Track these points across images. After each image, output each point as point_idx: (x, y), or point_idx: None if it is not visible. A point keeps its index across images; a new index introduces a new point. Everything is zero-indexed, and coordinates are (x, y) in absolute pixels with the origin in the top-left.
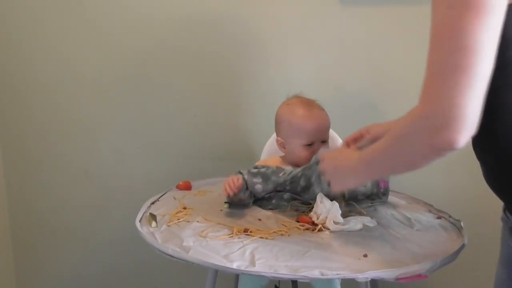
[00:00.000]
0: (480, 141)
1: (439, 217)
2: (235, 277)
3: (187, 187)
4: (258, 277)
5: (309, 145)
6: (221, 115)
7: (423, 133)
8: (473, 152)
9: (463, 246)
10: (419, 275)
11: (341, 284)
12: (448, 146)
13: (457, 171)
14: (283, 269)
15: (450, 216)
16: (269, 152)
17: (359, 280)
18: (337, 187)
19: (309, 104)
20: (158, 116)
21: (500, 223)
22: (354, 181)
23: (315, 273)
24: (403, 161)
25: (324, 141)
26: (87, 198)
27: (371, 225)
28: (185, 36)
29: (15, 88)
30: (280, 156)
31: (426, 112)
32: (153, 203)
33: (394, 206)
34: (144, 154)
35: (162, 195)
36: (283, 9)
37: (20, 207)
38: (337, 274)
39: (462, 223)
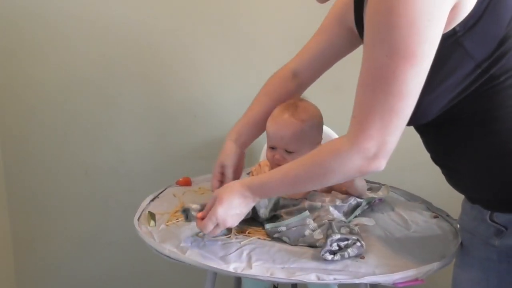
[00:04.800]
0: (463, 151)
1: (436, 216)
2: (235, 277)
3: (187, 183)
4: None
5: (272, 148)
6: (221, 115)
7: (356, 161)
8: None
9: (459, 247)
10: (416, 279)
11: (341, 285)
12: (375, 170)
13: None
14: (280, 272)
15: (447, 215)
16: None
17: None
18: (234, 221)
19: (286, 108)
20: (158, 116)
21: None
22: (248, 207)
23: (312, 277)
24: (323, 183)
25: (290, 152)
26: (87, 198)
27: (370, 224)
28: (185, 36)
29: (15, 88)
30: None
31: (363, 141)
32: (152, 200)
33: (391, 205)
34: (144, 154)
35: (161, 192)
36: (282, 9)
37: (20, 207)
38: (334, 279)
39: (458, 224)
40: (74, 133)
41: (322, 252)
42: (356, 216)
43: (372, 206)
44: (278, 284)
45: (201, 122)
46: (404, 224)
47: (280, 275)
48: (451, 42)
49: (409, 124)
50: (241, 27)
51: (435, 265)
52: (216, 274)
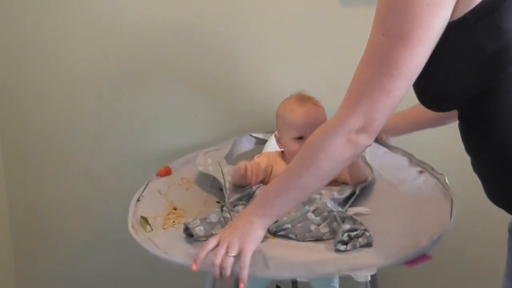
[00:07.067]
0: (479, 152)
1: (421, 172)
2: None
3: (168, 172)
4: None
5: (299, 138)
6: (221, 115)
7: (341, 137)
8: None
9: (452, 208)
10: (425, 256)
11: (340, 284)
12: (362, 145)
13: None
14: (300, 267)
15: (432, 169)
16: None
17: (359, 280)
18: (251, 246)
19: (303, 99)
20: (158, 116)
21: (506, 233)
22: (262, 228)
23: (331, 269)
24: (317, 171)
25: None
26: (87, 198)
27: (366, 213)
28: (185, 36)
29: (15, 89)
30: (281, 151)
31: (349, 117)
32: (138, 200)
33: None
34: (144, 154)
35: (144, 188)
36: (283, 9)
37: (20, 207)
38: (351, 270)
39: (446, 179)
40: (74, 133)
41: (335, 244)
42: (351, 206)
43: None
44: (280, 282)
45: (201, 122)
46: (396, 197)
47: (300, 272)
48: (463, 28)
49: (434, 109)
50: (243, 26)
51: (436, 237)
52: None
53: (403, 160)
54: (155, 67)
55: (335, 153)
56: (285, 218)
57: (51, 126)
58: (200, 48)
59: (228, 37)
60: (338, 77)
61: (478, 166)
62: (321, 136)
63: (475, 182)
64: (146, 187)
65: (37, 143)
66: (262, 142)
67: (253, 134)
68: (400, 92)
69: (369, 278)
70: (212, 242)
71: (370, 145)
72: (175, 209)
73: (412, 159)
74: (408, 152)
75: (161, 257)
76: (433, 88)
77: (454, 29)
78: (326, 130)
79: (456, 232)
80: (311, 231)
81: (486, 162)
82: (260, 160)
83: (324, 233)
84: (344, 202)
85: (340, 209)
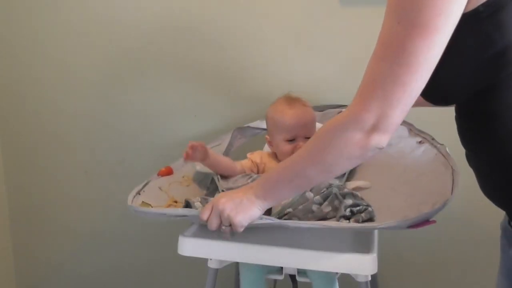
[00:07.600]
0: (477, 149)
1: (421, 142)
2: (235, 276)
3: (169, 172)
4: (262, 267)
5: (291, 140)
6: (221, 115)
7: (352, 134)
8: None
9: (454, 177)
10: (428, 221)
11: (341, 284)
12: (374, 146)
13: None
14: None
15: (433, 139)
16: None
17: (359, 280)
18: (243, 220)
19: (292, 100)
20: (158, 116)
21: (499, 230)
22: (260, 208)
23: (332, 224)
24: (323, 164)
25: (308, 138)
26: (87, 198)
27: (366, 186)
28: (185, 37)
29: (15, 88)
30: (272, 152)
31: (361, 111)
32: (138, 193)
33: None
34: (143, 154)
35: (145, 185)
36: (283, 8)
37: (20, 206)
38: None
39: (447, 148)
40: (74, 133)
41: (338, 219)
42: (350, 180)
43: None
44: (276, 282)
45: (201, 122)
46: (396, 169)
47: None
48: (474, 21)
49: (432, 102)
50: (242, 26)
51: (440, 205)
52: (216, 274)
53: (403, 130)
54: (154, 67)
55: (343, 149)
56: (285, 202)
57: (51, 126)
58: (200, 49)
59: (228, 36)
60: (338, 76)
61: (474, 159)
62: (331, 130)
63: (474, 182)
64: (147, 184)
65: (37, 143)
66: (260, 131)
67: (252, 125)
68: (416, 85)
69: (369, 278)
70: (206, 212)
71: (383, 147)
72: (175, 202)
73: (412, 129)
74: (407, 122)
75: (163, 213)
76: (433, 83)
77: (465, 21)
78: (336, 124)
79: (455, 232)
80: (313, 211)
81: (481, 157)
82: (253, 157)
83: (327, 212)
84: (342, 174)
85: (337, 182)
